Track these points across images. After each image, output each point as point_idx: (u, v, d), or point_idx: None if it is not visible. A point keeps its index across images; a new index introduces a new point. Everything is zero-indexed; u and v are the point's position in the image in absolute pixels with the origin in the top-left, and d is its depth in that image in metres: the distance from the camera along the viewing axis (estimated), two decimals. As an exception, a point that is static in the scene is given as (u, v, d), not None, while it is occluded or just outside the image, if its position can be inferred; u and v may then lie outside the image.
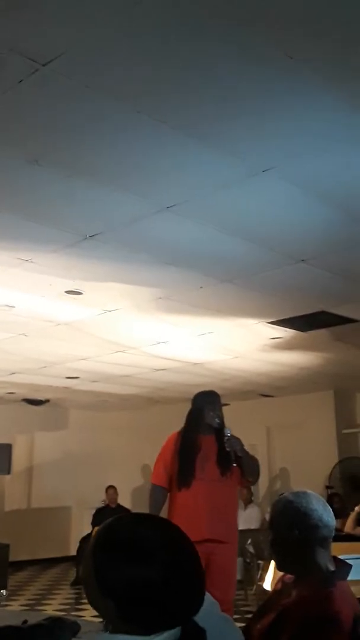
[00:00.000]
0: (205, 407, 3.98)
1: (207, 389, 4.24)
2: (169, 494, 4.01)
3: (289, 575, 2.04)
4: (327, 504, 2.00)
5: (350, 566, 1.94)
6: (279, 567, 2.04)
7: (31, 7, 1.93)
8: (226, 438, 3.86)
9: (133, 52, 2.13)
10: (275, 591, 2.07)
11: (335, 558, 1.94)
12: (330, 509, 1.99)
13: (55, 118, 2.51)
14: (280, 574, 2.14)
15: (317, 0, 1.91)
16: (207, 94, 2.35)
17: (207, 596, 1.30)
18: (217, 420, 3.92)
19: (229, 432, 3.89)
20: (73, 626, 1.94)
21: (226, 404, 4.21)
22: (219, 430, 3.92)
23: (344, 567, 1.93)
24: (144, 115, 2.47)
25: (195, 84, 2.29)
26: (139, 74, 2.24)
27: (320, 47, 2.12)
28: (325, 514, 1.93)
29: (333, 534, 1.93)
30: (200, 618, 1.21)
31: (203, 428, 3.96)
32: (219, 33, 2.04)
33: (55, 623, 1.92)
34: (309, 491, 2.04)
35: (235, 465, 3.91)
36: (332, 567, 1.92)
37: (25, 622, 1.98)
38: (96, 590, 1.22)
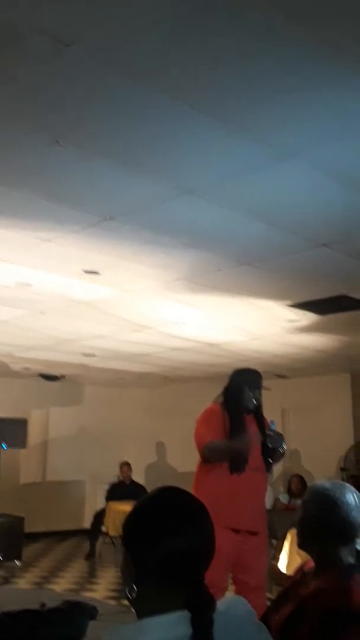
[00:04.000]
0: (244, 387, 3.87)
1: (249, 366, 4.15)
2: (207, 474, 3.77)
3: (308, 565, 2.05)
4: None
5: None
6: (300, 544, 2.05)
7: (56, -15, 1.88)
8: (270, 433, 3.77)
9: (159, 33, 2.07)
10: (295, 581, 2.07)
11: (357, 552, 1.94)
12: None
13: (77, 99, 2.46)
14: (301, 562, 2.15)
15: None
16: (234, 77, 2.29)
17: (245, 603, 1.31)
18: (254, 402, 3.84)
19: (273, 426, 3.79)
20: (91, 611, 1.95)
21: (267, 389, 4.09)
22: (257, 411, 3.85)
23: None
24: (168, 97, 2.42)
25: (222, 65, 2.23)
26: (164, 55, 2.18)
27: (352, 28, 2.05)
28: (356, 511, 1.92)
29: (358, 532, 1.93)
30: (236, 624, 1.21)
31: (243, 408, 3.84)
32: (248, 15, 1.98)
33: (73, 607, 1.92)
34: (347, 484, 2.03)
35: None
36: (352, 560, 1.92)
37: (43, 605, 2.00)
38: (127, 558, 1.33)
